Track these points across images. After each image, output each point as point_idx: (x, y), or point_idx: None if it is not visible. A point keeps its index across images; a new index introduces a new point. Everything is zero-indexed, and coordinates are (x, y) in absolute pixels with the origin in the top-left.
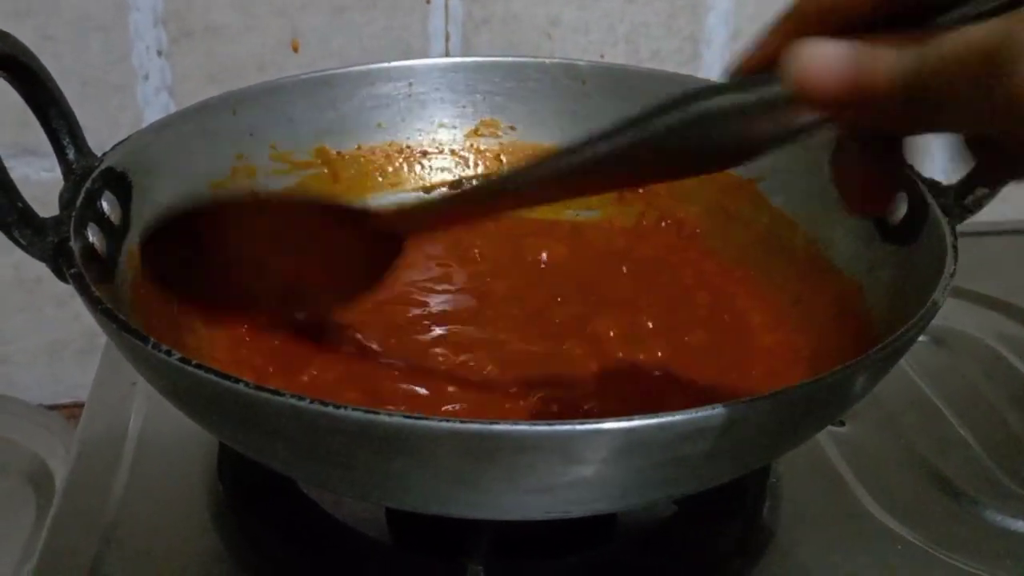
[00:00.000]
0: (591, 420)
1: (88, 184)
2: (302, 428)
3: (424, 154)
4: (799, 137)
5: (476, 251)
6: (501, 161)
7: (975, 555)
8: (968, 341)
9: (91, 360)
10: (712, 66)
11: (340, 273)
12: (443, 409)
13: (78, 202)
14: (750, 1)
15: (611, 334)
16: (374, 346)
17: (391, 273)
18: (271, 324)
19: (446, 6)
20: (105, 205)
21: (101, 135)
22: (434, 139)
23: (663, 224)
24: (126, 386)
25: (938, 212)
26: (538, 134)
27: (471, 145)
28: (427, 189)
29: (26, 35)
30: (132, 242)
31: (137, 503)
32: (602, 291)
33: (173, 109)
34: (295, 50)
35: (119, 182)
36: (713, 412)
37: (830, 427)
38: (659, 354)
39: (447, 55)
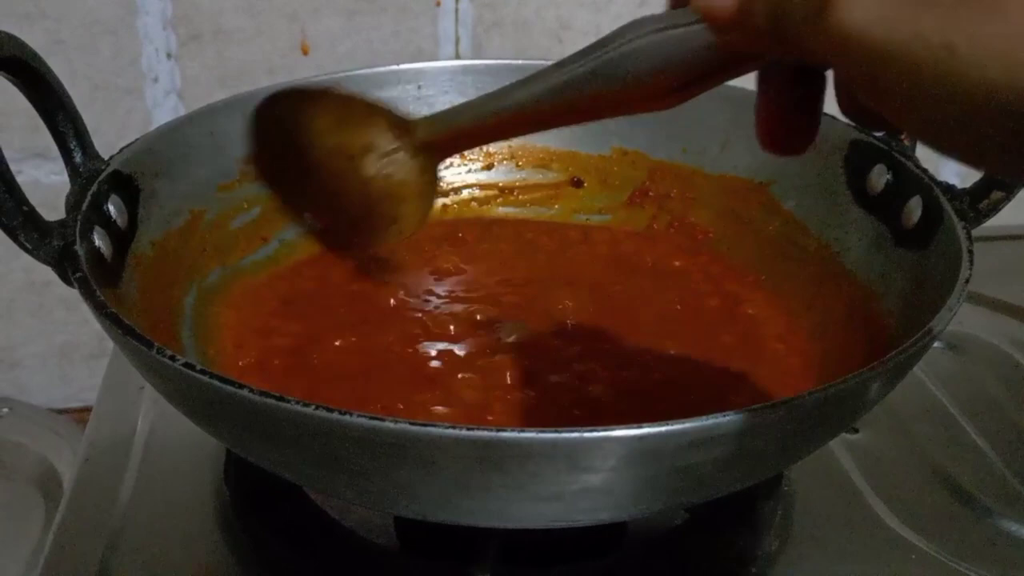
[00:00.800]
0: (599, 428)
1: (94, 187)
2: (307, 435)
3: None
4: (728, 70)
5: (484, 247)
6: (513, 162)
7: (989, 564)
8: (983, 347)
9: (100, 364)
10: None
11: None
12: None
13: (84, 205)
14: None
15: (619, 338)
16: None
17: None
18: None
19: (456, 9)
20: (112, 208)
21: (110, 138)
22: None
23: (673, 228)
24: (134, 391)
25: (953, 216)
26: (548, 137)
27: (480, 148)
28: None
29: (36, 38)
30: (139, 246)
31: (144, 509)
32: (610, 295)
33: (182, 112)
34: (305, 53)
35: (126, 185)
36: (724, 419)
37: (843, 434)
38: (668, 360)
39: (457, 58)
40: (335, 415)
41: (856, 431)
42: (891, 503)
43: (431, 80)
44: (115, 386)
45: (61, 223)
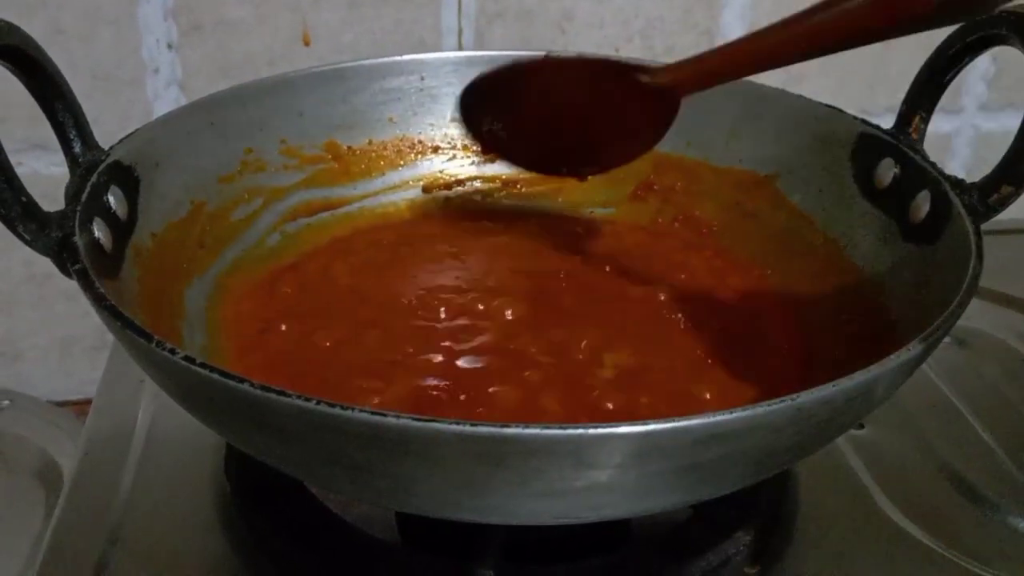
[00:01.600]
0: (604, 424)
1: (94, 178)
2: (308, 430)
3: (436, 149)
4: None
5: (487, 240)
6: None
7: (997, 561)
8: (990, 342)
9: (101, 357)
10: None
11: (622, 130)
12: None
13: (84, 196)
14: None
15: (621, 331)
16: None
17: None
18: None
19: (459, 0)
20: (111, 199)
21: (111, 129)
22: (446, 134)
23: (678, 222)
24: (134, 384)
25: (962, 211)
26: None
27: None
28: (438, 186)
29: (37, 28)
30: (139, 237)
31: (143, 503)
32: (613, 289)
33: (183, 103)
34: (306, 44)
35: (126, 176)
36: (731, 416)
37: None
38: (671, 354)
39: (460, 49)
40: (337, 410)
41: (862, 427)
42: (897, 499)
43: (434, 71)
44: (115, 379)
45: (60, 214)
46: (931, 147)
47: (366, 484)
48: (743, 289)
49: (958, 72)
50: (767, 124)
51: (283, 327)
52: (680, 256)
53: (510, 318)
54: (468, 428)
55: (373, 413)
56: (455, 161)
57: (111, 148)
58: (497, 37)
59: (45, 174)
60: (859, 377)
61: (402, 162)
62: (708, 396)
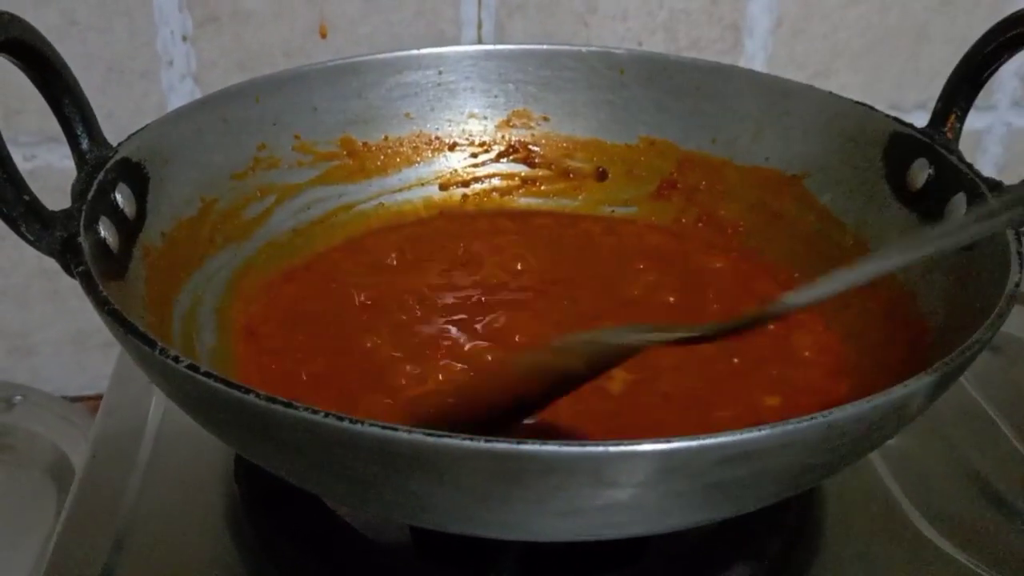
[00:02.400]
0: (626, 441)
1: (101, 175)
2: (315, 444)
3: (453, 146)
4: None
5: (505, 239)
6: (532, 152)
7: None
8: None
9: (116, 352)
10: (754, 56)
11: None
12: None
13: (90, 194)
14: None
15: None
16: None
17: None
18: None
19: None
20: (119, 197)
21: (124, 122)
22: (464, 130)
23: (701, 223)
24: (144, 384)
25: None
26: (572, 125)
27: (502, 136)
28: (455, 183)
29: (51, 19)
30: (148, 236)
31: (151, 508)
32: (634, 291)
33: (198, 96)
34: (323, 36)
35: (135, 173)
36: (761, 434)
37: None
38: (693, 361)
39: (480, 42)
40: (346, 424)
41: None
42: (926, 510)
43: (452, 66)
44: (124, 379)
45: (65, 213)
46: (961, 144)
47: (376, 498)
48: (769, 293)
49: (996, 69)
50: (794, 121)
51: (296, 328)
52: (703, 258)
53: (527, 322)
54: (483, 444)
55: (384, 427)
56: (473, 158)
57: (119, 145)
58: (518, 30)
59: (59, 167)
60: (896, 392)
61: (419, 159)
62: (730, 407)
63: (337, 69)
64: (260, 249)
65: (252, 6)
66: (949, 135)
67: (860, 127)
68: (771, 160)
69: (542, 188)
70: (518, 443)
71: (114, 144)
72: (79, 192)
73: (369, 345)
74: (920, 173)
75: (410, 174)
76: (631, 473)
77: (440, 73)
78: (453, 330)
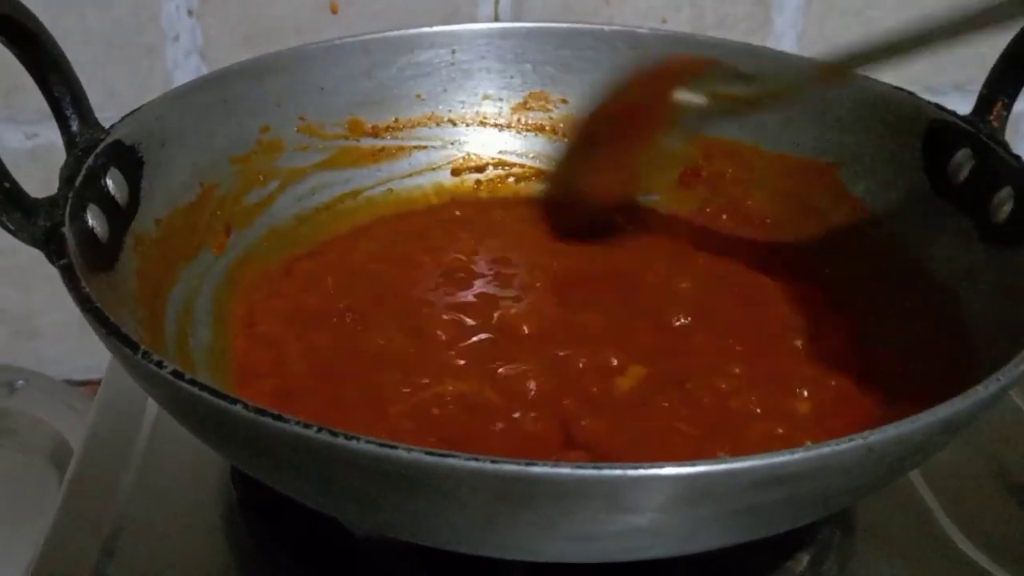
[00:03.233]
0: (645, 465)
1: (91, 160)
2: (307, 459)
3: (466, 129)
4: None
5: (520, 228)
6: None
7: None
8: None
9: None
10: (784, 34)
11: None
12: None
13: (78, 181)
14: None
15: (657, 334)
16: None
17: None
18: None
19: None
20: (110, 183)
21: (127, 100)
22: (478, 112)
23: (727, 213)
24: None
25: None
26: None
27: (518, 120)
28: (467, 168)
29: None
30: (140, 224)
31: (142, 509)
32: (653, 285)
33: (204, 73)
34: (334, 12)
35: (128, 157)
36: (794, 457)
37: None
38: (712, 364)
39: (496, 19)
40: (340, 439)
41: None
42: (963, 522)
43: (466, 44)
44: (120, 371)
45: (50, 201)
46: (1012, 136)
47: (374, 517)
48: (798, 291)
49: None
50: (827, 106)
51: (298, 322)
52: (729, 251)
53: (543, 317)
54: (488, 465)
55: (381, 445)
56: (487, 142)
57: (112, 127)
58: (537, 6)
59: (62, 146)
60: (941, 412)
61: (430, 143)
62: (757, 410)
63: (345, 47)
64: (262, 237)
65: None
66: (995, 124)
67: (898, 113)
68: (802, 147)
69: None
70: (527, 464)
71: (108, 126)
72: (66, 178)
73: (377, 340)
74: (963, 165)
75: (421, 159)
76: (651, 498)
77: (454, 52)
78: (465, 323)
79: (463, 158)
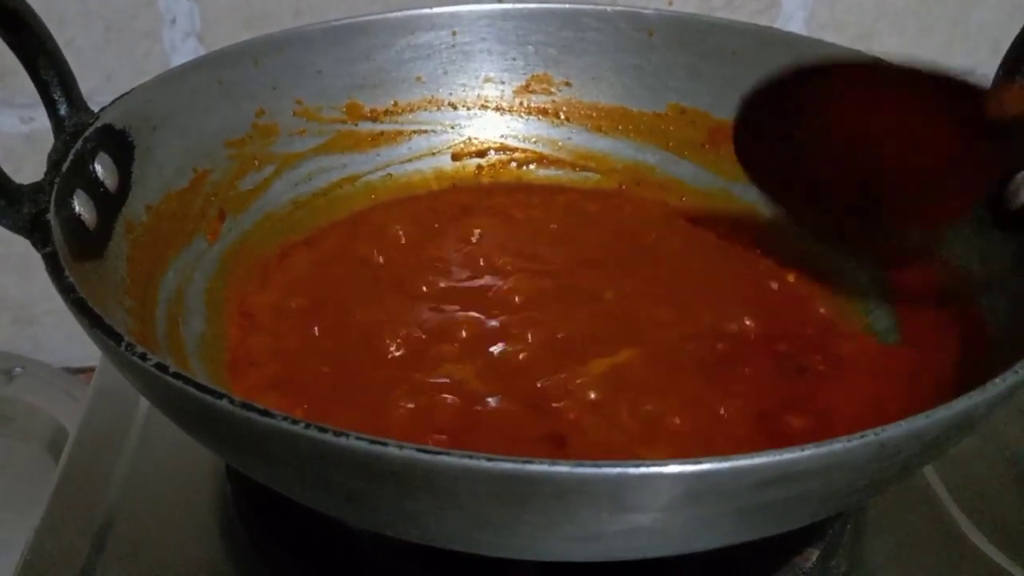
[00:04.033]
0: (649, 463)
1: (79, 145)
2: (297, 456)
3: (467, 112)
4: None
5: (522, 214)
6: (557, 117)
7: None
8: None
9: None
10: (792, 16)
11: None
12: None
13: (65, 166)
14: None
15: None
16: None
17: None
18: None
19: None
20: (99, 168)
21: (124, 85)
22: (479, 95)
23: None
24: None
25: None
26: (596, 92)
27: (520, 103)
28: (468, 153)
29: None
30: (131, 210)
31: (135, 504)
32: (659, 274)
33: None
34: None
35: (118, 141)
36: (804, 454)
37: None
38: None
39: (497, 0)
40: (329, 436)
41: None
42: (977, 518)
43: (467, 26)
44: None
45: (35, 187)
46: None
47: (367, 515)
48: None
49: None
50: None
51: (293, 310)
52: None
53: (545, 303)
54: (484, 463)
55: (372, 442)
56: (488, 126)
57: (102, 110)
58: None
59: None
60: (958, 406)
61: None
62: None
63: (343, 29)
64: (257, 224)
65: None
66: None
67: None
68: None
69: (565, 159)
70: (525, 463)
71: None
72: (53, 163)
73: (375, 330)
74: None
75: (421, 143)
76: (654, 497)
77: (454, 34)
78: (465, 313)
79: (464, 142)
